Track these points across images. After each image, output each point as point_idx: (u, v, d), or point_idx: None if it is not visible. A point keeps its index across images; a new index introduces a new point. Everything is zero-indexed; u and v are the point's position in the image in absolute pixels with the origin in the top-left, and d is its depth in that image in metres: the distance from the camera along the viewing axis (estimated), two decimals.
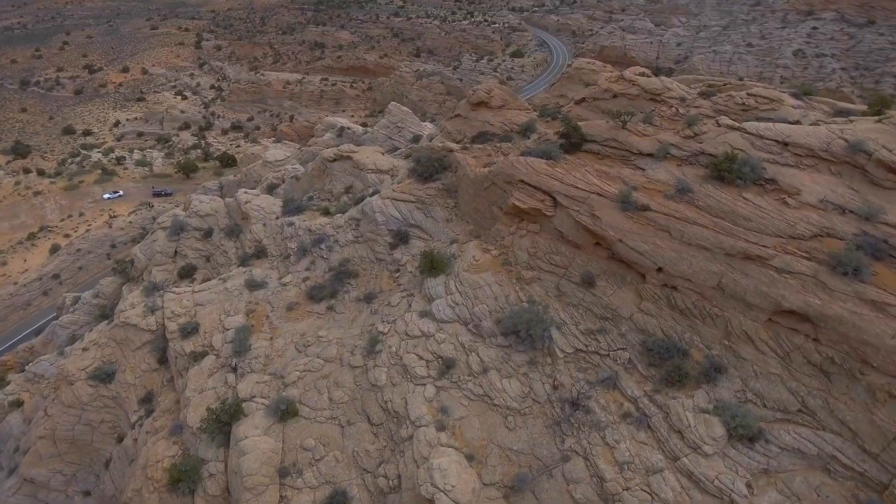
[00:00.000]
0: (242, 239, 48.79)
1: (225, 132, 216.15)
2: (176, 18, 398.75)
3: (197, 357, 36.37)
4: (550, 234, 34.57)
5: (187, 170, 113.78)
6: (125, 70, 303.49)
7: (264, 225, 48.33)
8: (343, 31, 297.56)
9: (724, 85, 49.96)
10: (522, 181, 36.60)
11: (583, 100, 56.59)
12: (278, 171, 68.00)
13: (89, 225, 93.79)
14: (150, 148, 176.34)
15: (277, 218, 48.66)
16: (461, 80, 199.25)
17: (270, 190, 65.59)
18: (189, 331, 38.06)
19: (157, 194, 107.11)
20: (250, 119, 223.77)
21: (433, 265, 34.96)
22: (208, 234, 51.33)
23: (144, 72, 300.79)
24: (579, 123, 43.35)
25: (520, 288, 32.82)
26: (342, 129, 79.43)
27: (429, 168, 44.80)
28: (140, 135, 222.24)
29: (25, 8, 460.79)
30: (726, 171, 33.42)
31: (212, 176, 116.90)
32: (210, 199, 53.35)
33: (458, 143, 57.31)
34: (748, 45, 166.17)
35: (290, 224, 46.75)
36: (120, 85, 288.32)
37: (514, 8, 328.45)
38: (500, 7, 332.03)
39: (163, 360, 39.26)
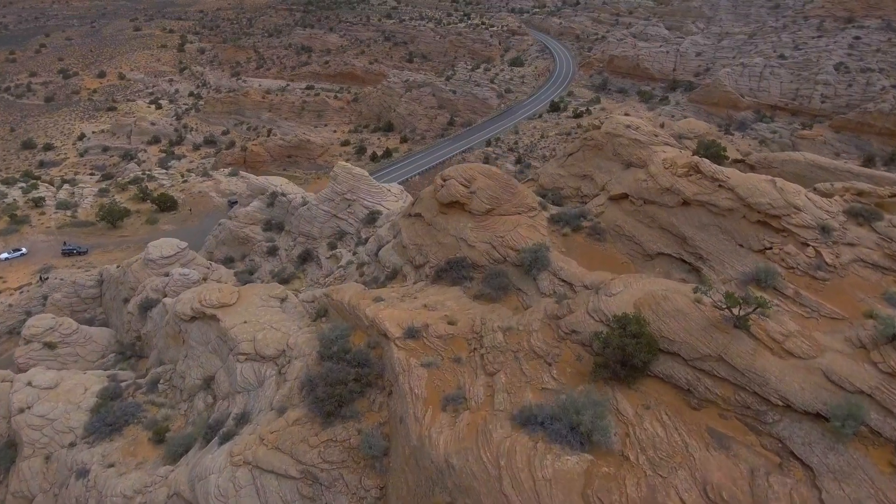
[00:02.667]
0: (7, 485, 25.87)
1: (196, 147, 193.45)
2: (162, 19, 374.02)
3: None
4: None
5: (112, 218, 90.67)
6: (101, 75, 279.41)
7: (47, 459, 25.44)
8: (332, 34, 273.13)
9: (893, 196, 27.11)
10: None
11: (624, 197, 33.45)
12: (163, 275, 45.08)
13: None
14: (89, 176, 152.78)
15: (73, 444, 25.79)
16: (454, 92, 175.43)
17: (144, 311, 42.63)
18: None
19: (67, 253, 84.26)
20: (225, 133, 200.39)
21: None
22: None
23: (122, 77, 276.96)
24: (639, 316, 20.27)
25: None
26: (274, 195, 56.20)
27: (336, 389, 21.84)
28: (105, 150, 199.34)
29: (9, 7, 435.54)
30: None
31: (143, 224, 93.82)
32: None
33: (416, 268, 34.33)
34: (780, 56, 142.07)
35: (82, 474, 23.89)
36: (94, 91, 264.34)
37: (513, 9, 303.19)
38: (499, 9, 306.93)
39: None
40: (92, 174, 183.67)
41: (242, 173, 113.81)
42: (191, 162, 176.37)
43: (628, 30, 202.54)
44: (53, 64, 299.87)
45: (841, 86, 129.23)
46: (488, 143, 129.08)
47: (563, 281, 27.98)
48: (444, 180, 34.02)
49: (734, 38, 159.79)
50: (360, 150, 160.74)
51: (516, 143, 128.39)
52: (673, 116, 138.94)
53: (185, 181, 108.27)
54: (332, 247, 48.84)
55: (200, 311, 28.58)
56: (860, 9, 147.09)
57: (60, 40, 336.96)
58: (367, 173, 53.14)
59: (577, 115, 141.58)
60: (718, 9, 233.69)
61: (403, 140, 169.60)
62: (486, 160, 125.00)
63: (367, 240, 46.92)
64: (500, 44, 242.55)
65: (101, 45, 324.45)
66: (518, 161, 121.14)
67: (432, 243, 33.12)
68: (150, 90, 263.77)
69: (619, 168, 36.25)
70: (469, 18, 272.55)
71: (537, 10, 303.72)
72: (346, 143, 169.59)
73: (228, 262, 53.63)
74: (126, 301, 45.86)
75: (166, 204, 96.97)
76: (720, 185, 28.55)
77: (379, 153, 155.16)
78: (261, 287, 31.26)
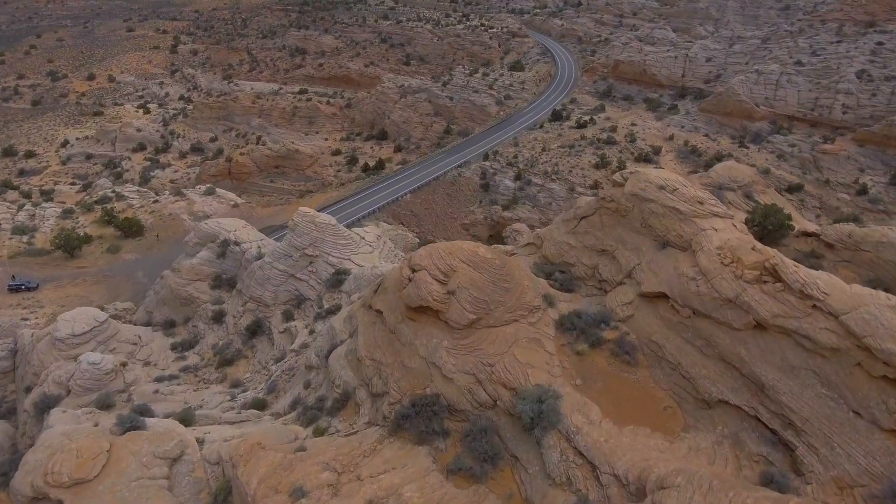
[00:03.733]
0: None
1: (183, 155, 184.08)
2: (157, 19, 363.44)
3: None
4: None
5: (69, 246, 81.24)
6: (90, 78, 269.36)
7: None
8: (327, 35, 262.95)
9: None
10: None
11: (662, 297, 24.12)
12: (71, 357, 35.64)
13: None
14: (69, 186, 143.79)
15: None
16: (451, 98, 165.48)
17: (41, 412, 33.22)
18: None
19: (14, 289, 74.68)
20: (213, 139, 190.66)
21: None
22: None
23: (111, 79, 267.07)
24: None
25: None
26: (226, 244, 46.59)
27: None
28: (88, 157, 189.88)
29: (2, 8, 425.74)
30: None
31: (104, 253, 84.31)
32: None
33: (372, 396, 24.44)
34: (797, 63, 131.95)
35: None
36: (82, 94, 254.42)
37: (513, 10, 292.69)
38: (499, 9, 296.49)
39: None
40: (73, 184, 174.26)
41: (219, 191, 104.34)
42: (175, 172, 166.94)
43: (634, 33, 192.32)
44: (43, 66, 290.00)
45: (864, 95, 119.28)
46: (486, 157, 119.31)
47: (582, 456, 18.39)
48: (413, 271, 24.38)
49: (746, 43, 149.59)
50: (352, 161, 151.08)
51: (516, 156, 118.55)
52: (683, 127, 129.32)
53: (155, 201, 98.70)
54: (288, 317, 39.32)
55: (43, 491, 19.07)
56: (882, 12, 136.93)
57: (52, 41, 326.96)
58: (333, 220, 43.42)
59: (581, 126, 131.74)
60: (726, 10, 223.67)
61: (398, 149, 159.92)
62: (484, 175, 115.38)
63: (328, 311, 37.38)
64: (499, 46, 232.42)
65: (93, 46, 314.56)
66: (518, 177, 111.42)
67: (395, 363, 23.52)
68: (140, 93, 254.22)
69: (651, 246, 26.54)
70: (468, 20, 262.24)
71: (538, 10, 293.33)
72: (337, 153, 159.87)
73: (169, 326, 44.21)
74: (28, 390, 36.40)
75: (131, 229, 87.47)
76: (814, 306, 18.94)
77: (371, 164, 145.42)
78: (145, 440, 21.65)
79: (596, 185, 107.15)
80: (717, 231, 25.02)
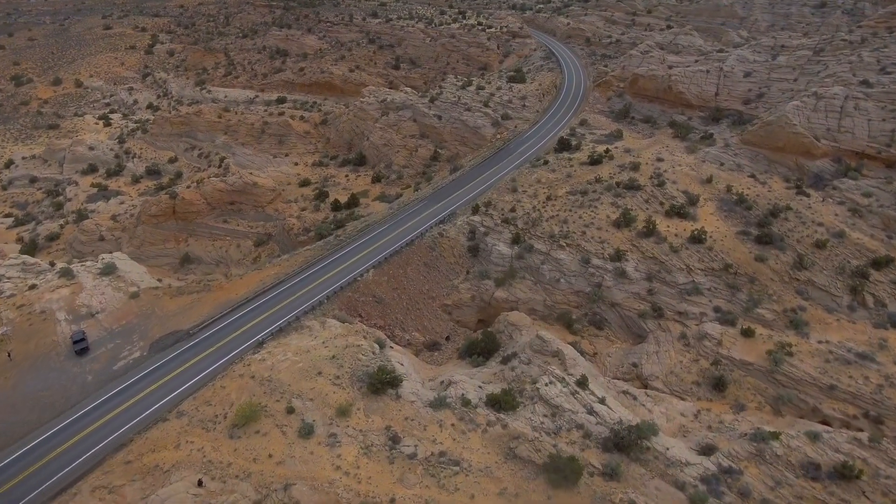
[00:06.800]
0: None
1: (137, 179, 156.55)
2: (138, 16, 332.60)
3: None
4: None
5: None
6: (56, 83, 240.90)
7: None
8: (310, 35, 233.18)
9: None
10: None
11: None
12: None
13: None
14: (2, 219, 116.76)
15: None
16: (440, 117, 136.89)
17: None
18: None
19: None
20: (173, 161, 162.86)
21: None
22: None
23: (79, 84, 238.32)
24: None
25: None
26: None
27: None
28: (33, 181, 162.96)
29: None
30: None
31: None
32: None
33: None
34: (863, 83, 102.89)
35: None
36: (45, 102, 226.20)
37: (514, 6, 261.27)
38: (499, 4, 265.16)
39: None
40: (8, 215, 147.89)
41: (121, 267, 76.84)
42: (120, 203, 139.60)
43: (650, 33, 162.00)
44: (8, 69, 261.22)
45: None
46: (475, 210, 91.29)
47: None
48: None
49: (794, 55, 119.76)
50: (321, 196, 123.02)
51: (513, 209, 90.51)
52: (722, 164, 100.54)
53: (32, 286, 71.40)
54: None
55: None
56: None
57: (23, 41, 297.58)
58: None
59: (595, 161, 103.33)
60: (753, 7, 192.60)
61: (376, 178, 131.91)
62: (473, 235, 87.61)
63: None
64: (498, 48, 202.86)
65: (65, 46, 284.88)
66: (516, 240, 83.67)
67: None
68: (107, 100, 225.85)
69: None
70: (464, 17, 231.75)
71: (541, 6, 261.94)
72: (305, 184, 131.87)
73: None
74: None
75: None
76: None
77: (343, 199, 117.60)
78: None
79: (618, 256, 79.38)
80: None
